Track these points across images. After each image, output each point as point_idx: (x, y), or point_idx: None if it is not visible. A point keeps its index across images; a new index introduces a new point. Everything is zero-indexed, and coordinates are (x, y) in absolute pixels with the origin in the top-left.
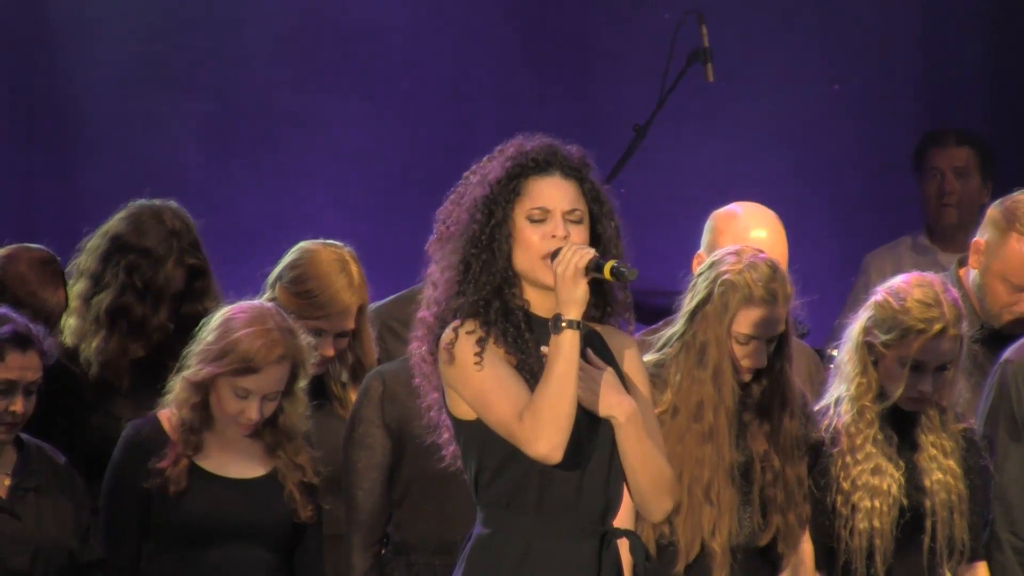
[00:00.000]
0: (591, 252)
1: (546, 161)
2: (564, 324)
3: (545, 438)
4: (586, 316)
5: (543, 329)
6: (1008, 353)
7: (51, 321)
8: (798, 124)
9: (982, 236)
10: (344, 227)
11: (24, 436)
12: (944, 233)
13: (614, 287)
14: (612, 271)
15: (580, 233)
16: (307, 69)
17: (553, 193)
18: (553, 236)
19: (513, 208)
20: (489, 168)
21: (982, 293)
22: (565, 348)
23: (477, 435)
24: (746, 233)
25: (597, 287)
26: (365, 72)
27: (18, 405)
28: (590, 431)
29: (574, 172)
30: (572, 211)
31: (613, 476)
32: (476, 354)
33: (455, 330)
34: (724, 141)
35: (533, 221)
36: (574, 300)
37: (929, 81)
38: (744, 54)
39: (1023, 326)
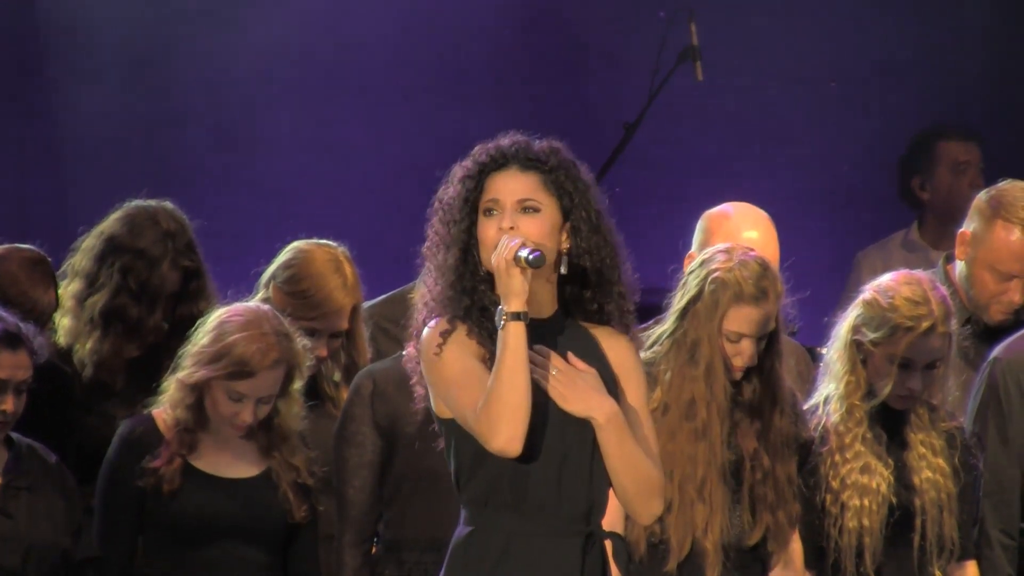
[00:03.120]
0: (518, 242)
1: (503, 156)
2: (506, 317)
3: (499, 432)
4: (581, 316)
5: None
6: (997, 351)
7: (42, 321)
8: (792, 122)
9: (968, 227)
10: (339, 226)
11: (15, 435)
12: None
13: (612, 289)
14: (525, 260)
15: (533, 223)
16: (303, 68)
17: (505, 185)
18: (500, 228)
19: (477, 207)
20: (457, 170)
21: (969, 284)
22: (510, 341)
23: (454, 432)
24: (738, 233)
25: (588, 288)
26: (361, 71)
27: (8, 404)
28: (570, 430)
29: (534, 164)
30: (525, 201)
31: (596, 476)
32: (438, 345)
33: (428, 328)
34: (717, 139)
35: (487, 215)
36: (512, 292)
37: (926, 78)
38: (738, 52)
39: (1014, 320)
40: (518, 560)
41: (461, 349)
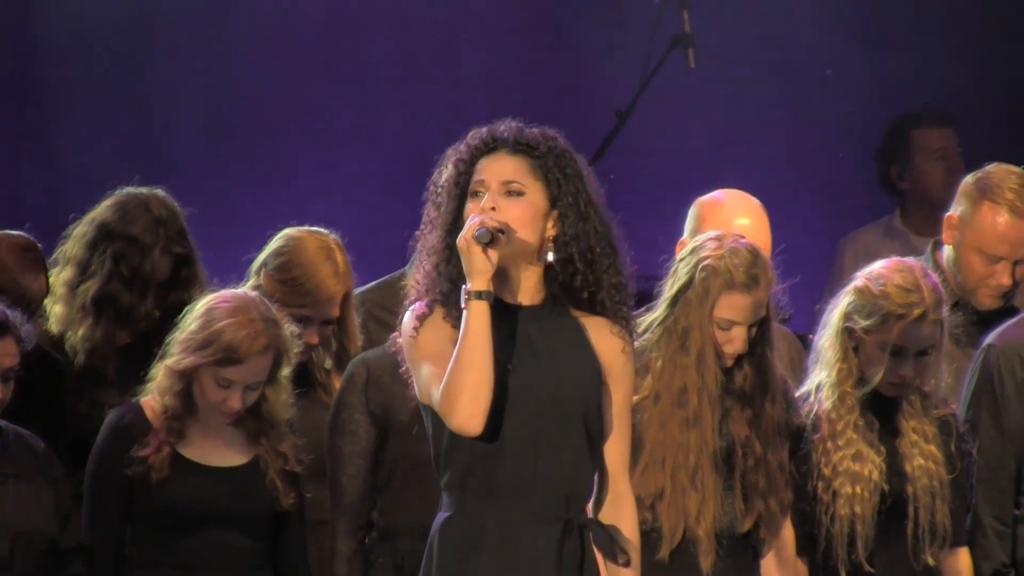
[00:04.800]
0: (478, 220)
1: (495, 140)
2: (467, 296)
3: (458, 409)
4: (572, 305)
5: (505, 313)
6: (991, 338)
7: (32, 307)
8: (784, 109)
9: (955, 210)
10: (333, 213)
11: (2, 422)
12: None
13: (602, 279)
14: (474, 237)
15: (515, 206)
16: (297, 54)
17: (492, 167)
18: (481, 208)
19: (467, 190)
20: (450, 154)
21: (957, 268)
22: (471, 320)
23: (432, 417)
24: (730, 221)
25: (576, 276)
26: (355, 58)
27: None
28: (546, 416)
29: (524, 148)
30: (509, 183)
31: (575, 463)
32: (414, 328)
33: (409, 312)
34: (710, 126)
35: (474, 197)
36: (474, 270)
37: (921, 65)
38: (731, 39)
39: (1003, 305)
40: (493, 546)
41: (436, 332)
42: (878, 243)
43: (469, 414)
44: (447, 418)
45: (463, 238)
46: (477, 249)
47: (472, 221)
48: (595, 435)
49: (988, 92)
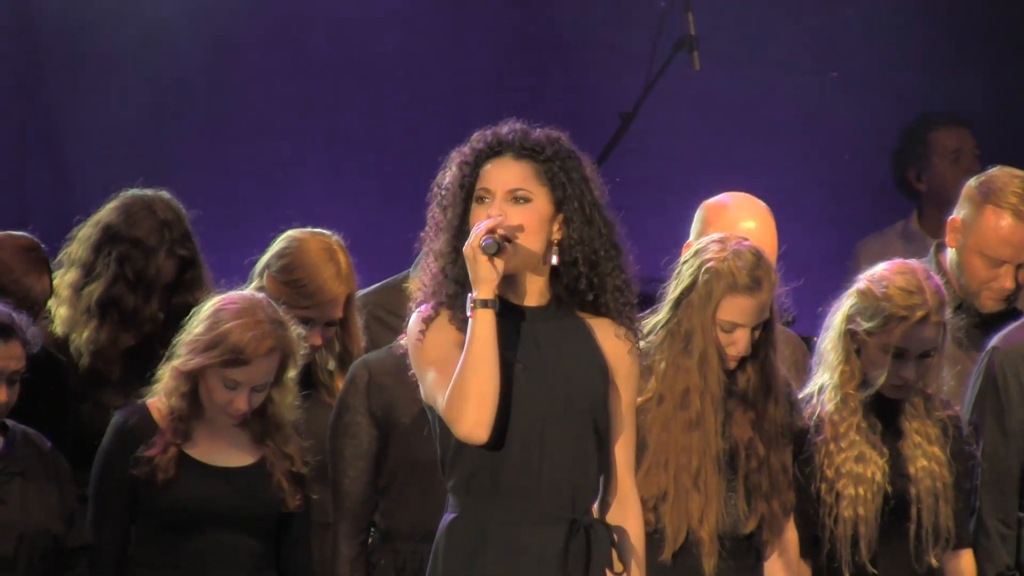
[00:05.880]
0: (483, 229)
1: (500, 143)
2: (473, 304)
3: (464, 418)
4: (577, 307)
5: (511, 314)
6: (995, 340)
7: (35, 309)
8: (790, 111)
9: (958, 213)
10: (337, 215)
11: (9, 422)
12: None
13: (606, 282)
14: (480, 247)
15: (522, 213)
16: (302, 56)
17: (497, 174)
18: (488, 216)
19: (472, 193)
20: (455, 156)
21: (960, 271)
22: (477, 328)
23: (438, 419)
24: (735, 224)
25: (581, 279)
26: (360, 60)
27: (1, 394)
28: (550, 417)
29: (529, 153)
30: (515, 191)
31: (580, 463)
32: (420, 331)
33: (415, 315)
34: (715, 129)
35: (479, 202)
36: (480, 279)
37: (927, 66)
38: (735, 41)
39: (1006, 308)
40: (497, 547)
41: (442, 335)
42: (895, 247)
43: (475, 422)
44: (453, 426)
45: (470, 247)
46: (483, 258)
47: (478, 229)
48: (603, 435)
49: (995, 94)
